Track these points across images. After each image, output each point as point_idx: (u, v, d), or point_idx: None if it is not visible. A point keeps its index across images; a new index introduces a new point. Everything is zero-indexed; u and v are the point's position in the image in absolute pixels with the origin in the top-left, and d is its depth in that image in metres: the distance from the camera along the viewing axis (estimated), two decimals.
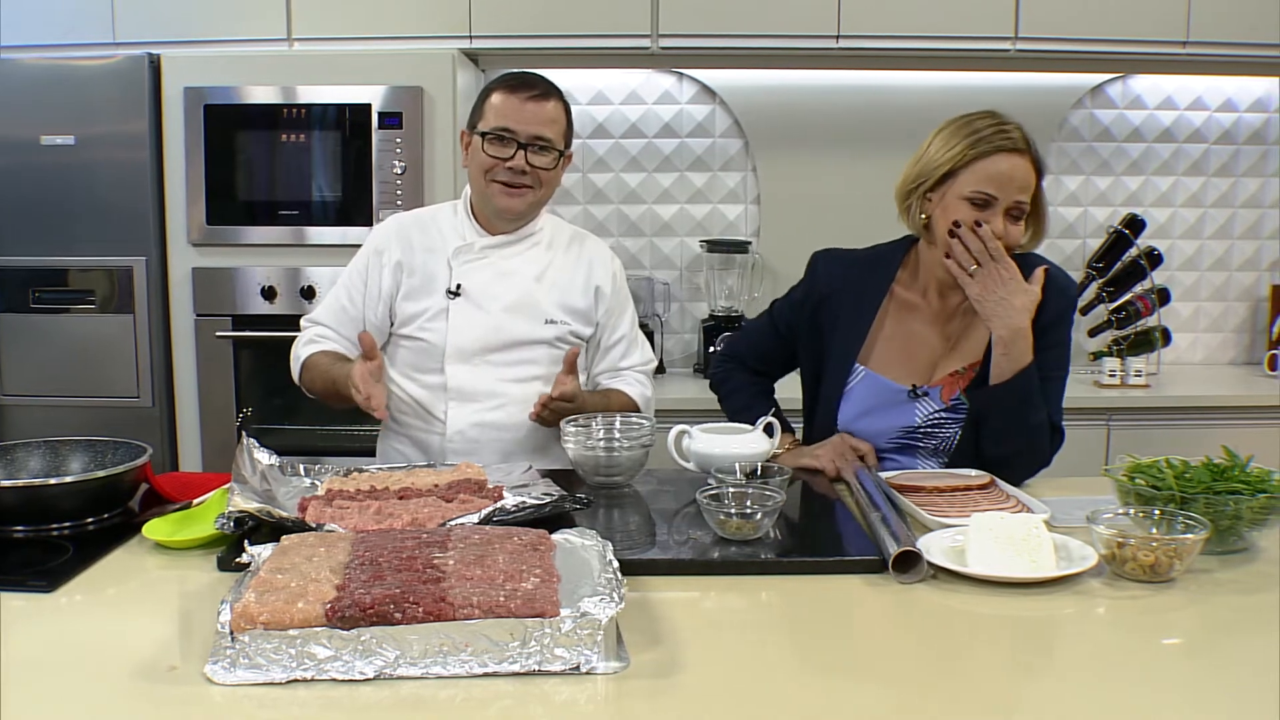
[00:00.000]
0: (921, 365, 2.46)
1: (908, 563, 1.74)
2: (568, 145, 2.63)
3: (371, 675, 1.34)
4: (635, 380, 2.76)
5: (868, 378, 2.47)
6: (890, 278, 2.53)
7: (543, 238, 2.69)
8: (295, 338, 2.72)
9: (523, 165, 2.53)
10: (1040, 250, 4.25)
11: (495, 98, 2.55)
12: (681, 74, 4.41)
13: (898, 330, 2.49)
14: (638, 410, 2.68)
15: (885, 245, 2.59)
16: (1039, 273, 2.34)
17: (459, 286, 2.60)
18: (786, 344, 2.65)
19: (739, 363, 2.75)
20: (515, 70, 2.65)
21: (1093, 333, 4.41)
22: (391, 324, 2.65)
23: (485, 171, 2.55)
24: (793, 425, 2.63)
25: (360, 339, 2.42)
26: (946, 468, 2.40)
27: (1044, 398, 2.35)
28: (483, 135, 2.54)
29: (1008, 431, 2.33)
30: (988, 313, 2.30)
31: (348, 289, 2.68)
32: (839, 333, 2.51)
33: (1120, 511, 1.87)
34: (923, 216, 2.41)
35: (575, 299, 2.67)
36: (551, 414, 2.48)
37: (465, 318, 2.59)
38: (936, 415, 2.42)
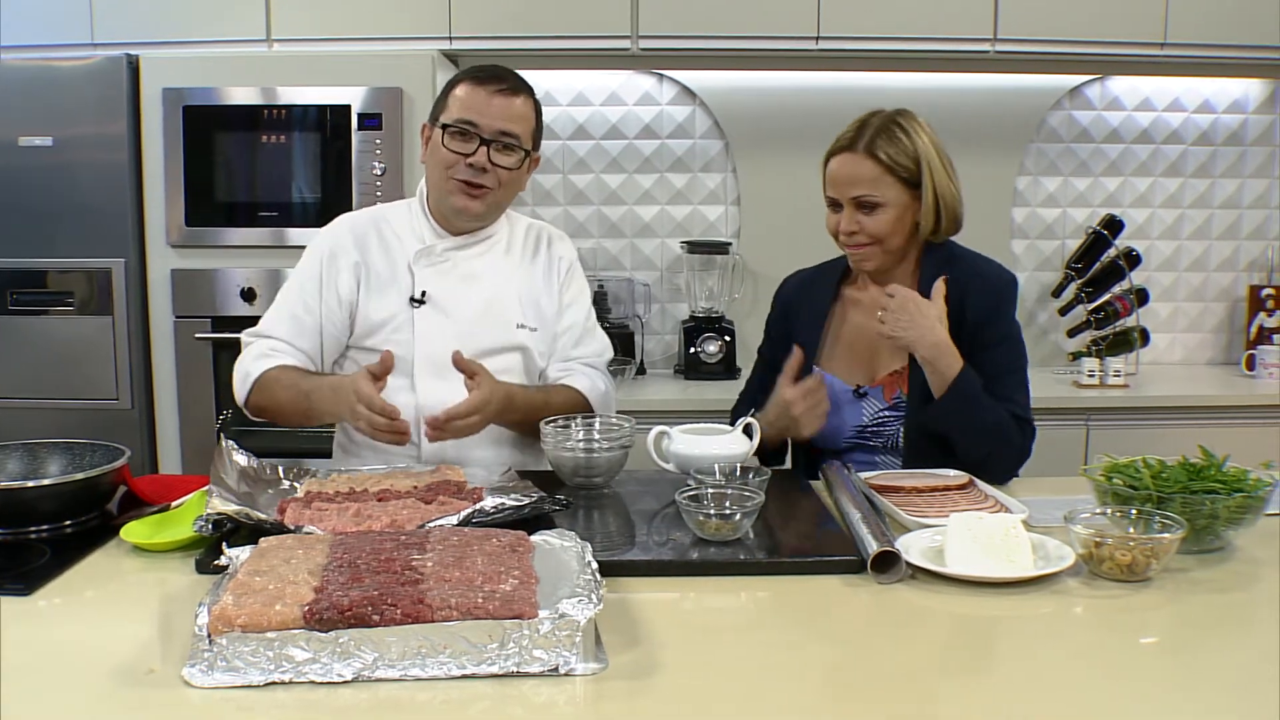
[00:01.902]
0: (865, 364, 2.53)
1: (886, 563, 1.74)
2: (535, 146, 2.49)
3: (350, 677, 1.34)
4: (584, 373, 2.57)
5: (825, 380, 2.48)
6: (838, 280, 2.63)
7: (503, 236, 2.57)
8: (240, 345, 2.52)
9: (484, 162, 2.37)
10: (1020, 252, 4.29)
11: (460, 89, 2.39)
12: (662, 75, 4.41)
13: (845, 329, 2.58)
14: (586, 404, 2.51)
15: (840, 255, 2.64)
16: (939, 284, 2.39)
17: (423, 294, 2.44)
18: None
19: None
20: (487, 64, 2.49)
21: (1071, 333, 4.42)
22: (350, 334, 2.48)
23: (446, 168, 2.39)
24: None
25: (383, 358, 2.17)
26: (906, 466, 2.42)
27: (1003, 392, 2.39)
28: (444, 128, 2.38)
29: (968, 437, 2.36)
30: (905, 342, 2.37)
31: (300, 297, 2.46)
32: (800, 340, 2.53)
33: (1098, 511, 1.88)
34: None
35: (541, 295, 2.56)
36: (451, 434, 2.27)
37: (432, 327, 2.44)
38: (881, 414, 2.48)
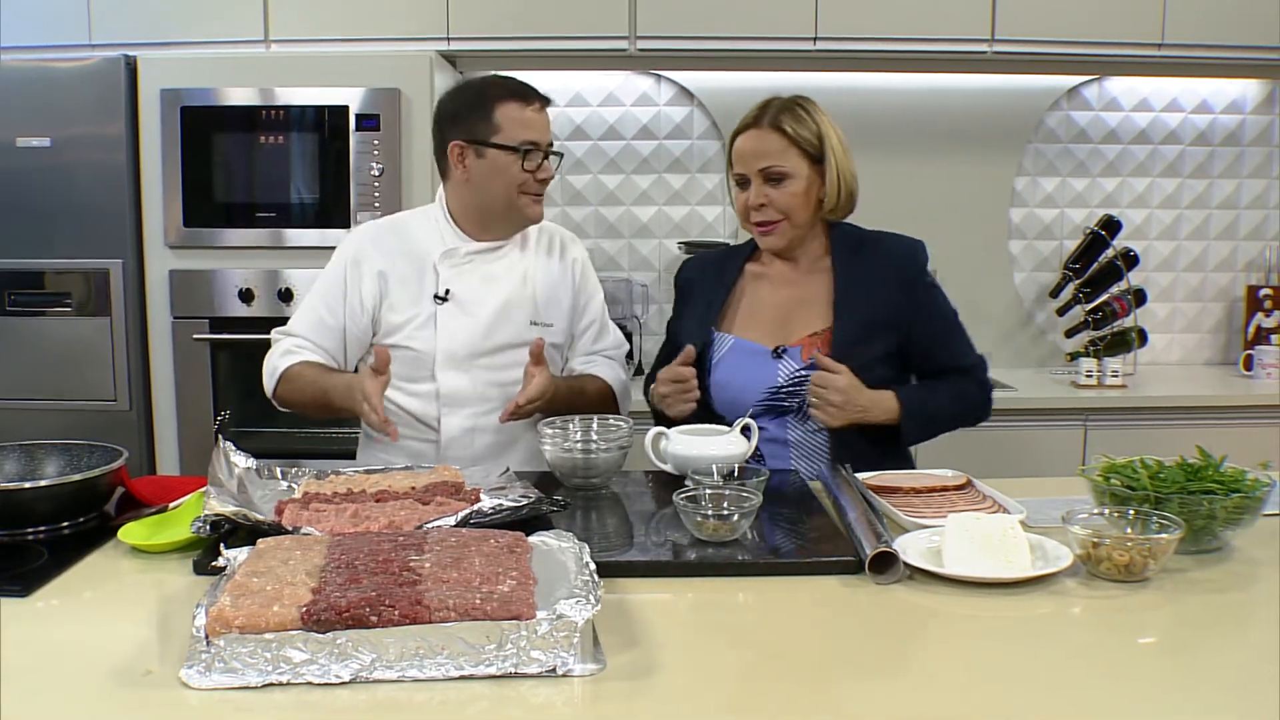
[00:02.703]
0: (780, 327, 2.58)
1: (884, 564, 1.74)
2: None
3: (348, 678, 1.34)
4: (607, 364, 2.77)
5: (736, 344, 2.57)
6: (744, 258, 2.70)
7: (519, 238, 2.68)
8: (270, 341, 2.66)
9: (552, 173, 2.58)
10: (1017, 252, 4.29)
11: (511, 110, 2.52)
12: (659, 75, 4.41)
13: (755, 298, 2.64)
14: (613, 394, 2.71)
15: (745, 240, 2.75)
16: (826, 361, 2.42)
17: (447, 291, 2.58)
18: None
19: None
20: (504, 76, 2.60)
21: (1069, 333, 4.43)
22: (374, 334, 2.62)
23: (518, 185, 2.53)
24: None
25: (376, 354, 2.37)
26: (822, 431, 2.49)
27: (952, 353, 2.59)
28: (515, 151, 2.50)
29: (945, 429, 2.61)
30: (843, 419, 2.40)
31: (325, 300, 2.62)
32: (698, 308, 2.65)
33: (1095, 511, 1.88)
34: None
35: (562, 295, 2.70)
36: (525, 415, 2.51)
37: (454, 323, 2.58)
38: (799, 374, 2.49)
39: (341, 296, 2.61)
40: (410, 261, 2.61)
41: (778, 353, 2.53)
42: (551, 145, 2.58)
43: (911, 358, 2.57)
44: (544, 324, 2.64)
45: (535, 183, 2.54)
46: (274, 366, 2.59)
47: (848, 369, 2.40)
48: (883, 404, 2.44)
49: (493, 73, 2.67)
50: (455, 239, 2.63)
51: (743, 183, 2.55)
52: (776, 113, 2.54)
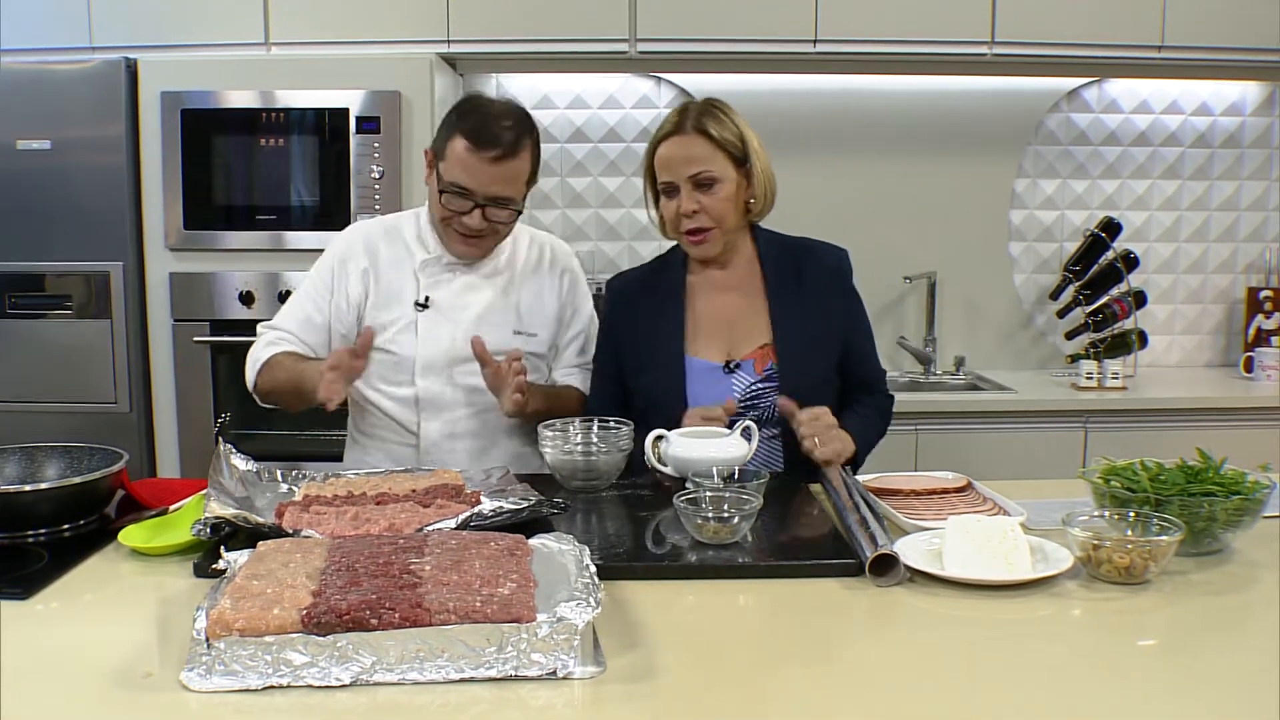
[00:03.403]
0: (725, 341, 2.55)
1: (885, 566, 1.74)
2: (533, 181, 2.57)
3: (348, 681, 1.34)
4: (585, 374, 2.74)
5: (690, 363, 2.54)
6: (682, 269, 2.62)
7: (506, 248, 2.67)
8: (256, 335, 2.66)
9: (480, 224, 2.50)
10: (1018, 254, 4.30)
11: (460, 145, 2.44)
12: (660, 78, 4.41)
13: (697, 313, 2.58)
14: (585, 402, 2.68)
15: (666, 253, 2.70)
16: (787, 408, 2.40)
17: (427, 299, 2.58)
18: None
19: None
20: (483, 110, 2.49)
21: (1069, 335, 4.42)
22: (359, 333, 2.54)
23: (443, 219, 2.53)
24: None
25: (363, 333, 2.36)
26: (786, 436, 2.47)
27: (872, 368, 2.64)
28: (440, 190, 2.49)
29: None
30: (838, 448, 2.36)
31: (313, 298, 2.63)
32: (657, 331, 2.56)
33: (1096, 514, 1.88)
34: (660, 218, 2.59)
35: (548, 306, 2.69)
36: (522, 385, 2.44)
37: (434, 330, 2.58)
38: (754, 387, 2.49)
39: (328, 294, 2.62)
40: (396, 265, 2.62)
41: (729, 368, 2.52)
42: (500, 199, 2.48)
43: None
44: (527, 333, 2.64)
45: (460, 222, 2.50)
46: (256, 357, 2.59)
47: (824, 408, 2.40)
48: (847, 443, 2.41)
49: (505, 99, 2.59)
50: (436, 245, 2.62)
51: (669, 191, 2.48)
52: (698, 117, 2.46)
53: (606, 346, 2.68)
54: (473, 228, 2.50)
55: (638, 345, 2.59)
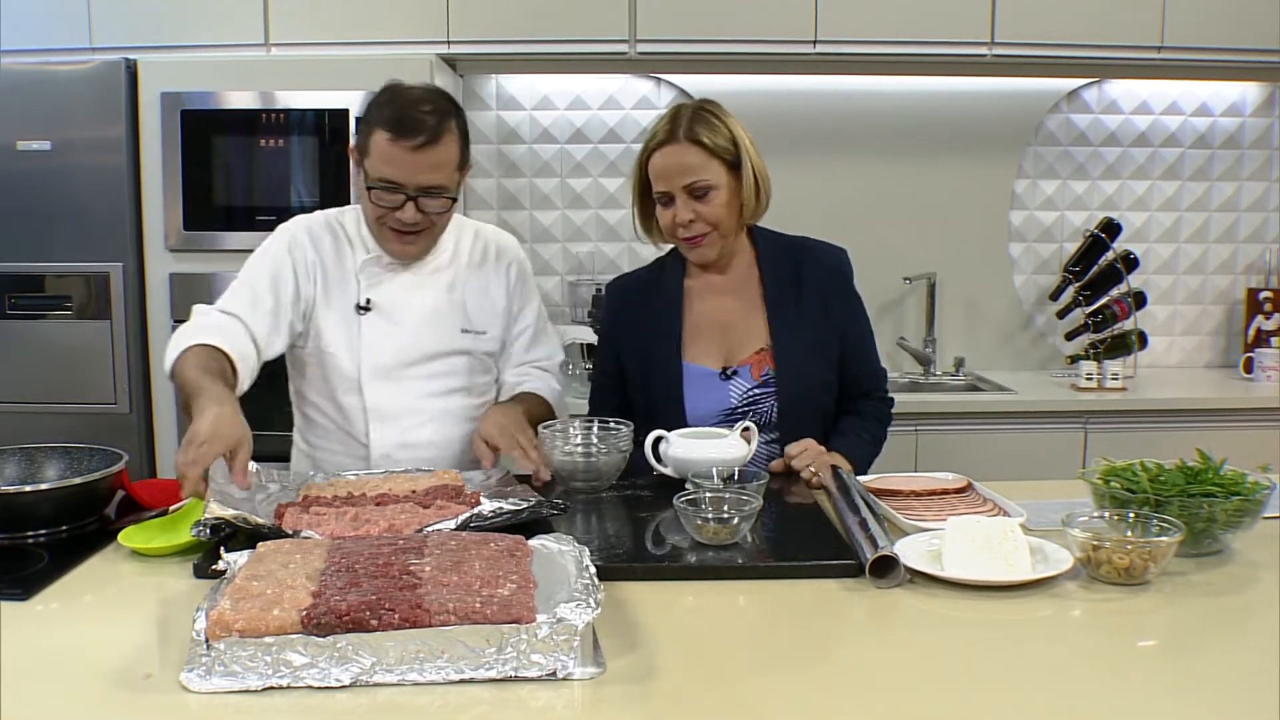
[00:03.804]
0: (722, 347, 2.55)
1: (885, 567, 1.74)
2: (464, 165, 2.43)
3: (348, 682, 1.34)
4: (540, 377, 2.65)
5: (686, 369, 2.54)
6: (680, 274, 2.62)
7: (449, 244, 2.56)
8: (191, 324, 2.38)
9: (414, 217, 2.37)
10: (1017, 255, 4.30)
11: (379, 139, 2.31)
12: (659, 79, 4.41)
13: (695, 318, 2.58)
14: (549, 408, 2.58)
15: (665, 255, 2.69)
16: (787, 460, 2.41)
17: (369, 301, 2.47)
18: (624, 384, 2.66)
19: None
20: (401, 98, 2.35)
21: (1069, 336, 4.43)
22: (302, 331, 2.48)
23: (375, 217, 2.40)
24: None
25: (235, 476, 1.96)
26: (784, 441, 2.47)
27: (871, 369, 2.65)
28: (367, 187, 2.36)
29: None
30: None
31: (262, 281, 2.43)
32: (655, 336, 2.57)
33: (1095, 514, 1.88)
34: (656, 229, 2.56)
35: (496, 302, 2.59)
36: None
37: (378, 333, 2.47)
38: (751, 393, 2.51)
39: (277, 281, 2.43)
40: (340, 264, 2.50)
41: (727, 374, 2.52)
42: (431, 188, 2.35)
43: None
44: (476, 331, 2.55)
45: (395, 219, 2.37)
46: (178, 343, 2.27)
47: (807, 439, 2.43)
48: (834, 460, 2.42)
49: (424, 84, 2.43)
50: (375, 244, 2.50)
51: (665, 201, 2.47)
52: (690, 123, 2.44)
53: (607, 350, 2.69)
54: (407, 222, 2.36)
55: (636, 351, 2.60)
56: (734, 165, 2.46)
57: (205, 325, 2.33)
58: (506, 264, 2.63)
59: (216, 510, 1.82)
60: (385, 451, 2.48)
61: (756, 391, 2.50)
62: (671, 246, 2.62)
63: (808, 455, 2.38)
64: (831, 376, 2.57)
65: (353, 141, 2.46)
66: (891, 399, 2.70)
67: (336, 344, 2.47)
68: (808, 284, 2.54)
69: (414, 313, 2.50)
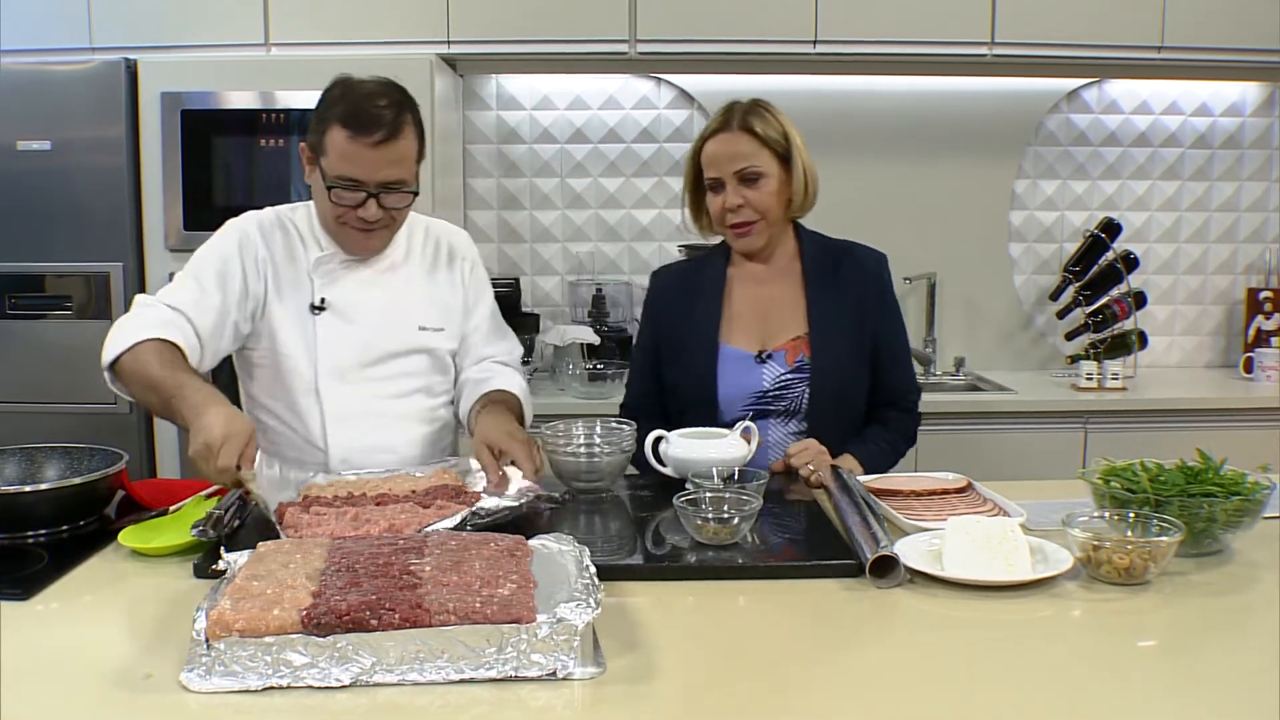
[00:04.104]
0: (760, 331, 2.62)
1: (885, 567, 1.74)
2: (420, 159, 2.36)
3: (348, 682, 1.34)
4: (505, 373, 2.57)
5: (723, 351, 2.60)
6: (724, 263, 2.71)
7: (401, 240, 2.50)
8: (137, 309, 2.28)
9: (376, 214, 2.30)
10: (1018, 255, 4.29)
11: (337, 136, 2.24)
12: (660, 79, 4.41)
13: (735, 303, 2.66)
14: (520, 405, 2.49)
15: (710, 249, 2.79)
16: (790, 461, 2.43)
17: (323, 300, 2.39)
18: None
19: (639, 417, 2.54)
20: (355, 93, 2.27)
21: (1069, 336, 4.42)
22: (251, 327, 2.39)
23: (335, 216, 2.32)
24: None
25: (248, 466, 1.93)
26: (811, 431, 2.54)
27: (904, 373, 2.68)
28: (327, 186, 2.28)
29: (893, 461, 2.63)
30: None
31: (210, 277, 2.33)
32: (695, 319, 2.64)
33: (1096, 514, 1.89)
34: (705, 219, 2.68)
35: (452, 298, 2.54)
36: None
37: (334, 334, 2.40)
38: (784, 377, 2.56)
39: (225, 278, 2.33)
40: (292, 259, 2.42)
41: (761, 357, 2.57)
42: (392, 184, 2.29)
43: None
44: (433, 328, 2.48)
45: (357, 218, 2.30)
46: (127, 334, 2.17)
47: (810, 439, 2.47)
48: (841, 462, 2.45)
49: (375, 76, 2.34)
50: (329, 242, 2.43)
51: (716, 187, 2.57)
52: (744, 115, 2.57)
53: (647, 329, 2.76)
54: (370, 219, 2.29)
55: (674, 333, 2.67)
56: (784, 159, 2.56)
57: (154, 319, 2.22)
58: (460, 259, 2.59)
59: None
60: (344, 456, 2.40)
61: (789, 377, 2.55)
62: (718, 240, 2.71)
63: (807, 454, 2.39)
64: (864, 372, 2.60)
65: (303, 140, 2.37)
66: (919, 415, 2.72)
67: (292, 345, 2.39)
68: (846, 282, 2.61)
69: (370, 311, 2.43)
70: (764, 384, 2.55)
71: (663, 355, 2.68)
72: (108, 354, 2.16)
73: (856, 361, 2.58)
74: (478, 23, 3.88)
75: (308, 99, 3.64)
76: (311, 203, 2.46)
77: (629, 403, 2.77)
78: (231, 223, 2.45)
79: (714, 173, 2.56)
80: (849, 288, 2.60)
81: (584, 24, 3.89)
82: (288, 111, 3.70)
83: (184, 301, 2.27)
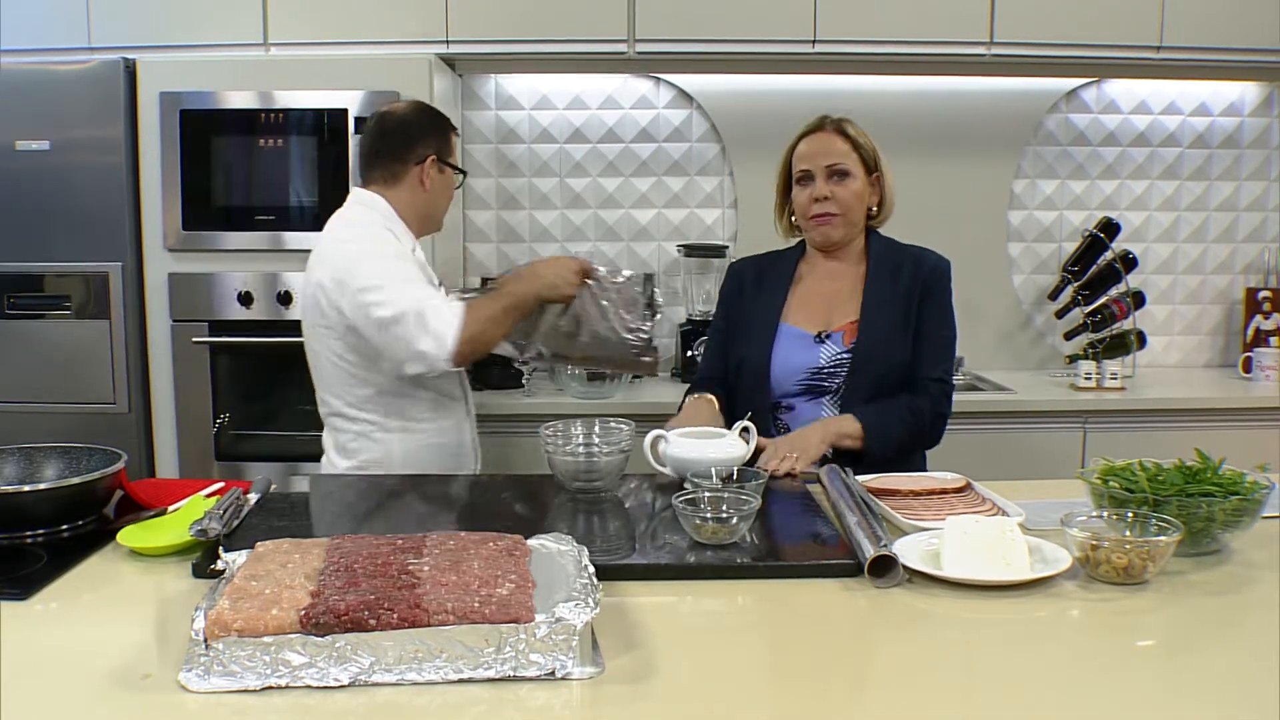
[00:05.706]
0: (823, 315, 2.76)
1: (883, 567, 1.74)
2: None
3: (346, 682, 1.34)
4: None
5: (783, 329, 2.77)
6: (797, 257, 2.90)
7: None
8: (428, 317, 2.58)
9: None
10: (1016, 254, 4.30)
11: (455, 139, 2.87)
12: (658, 79, 4.41)
13: (801, 290, 2.83)
14: None
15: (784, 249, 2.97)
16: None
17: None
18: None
19: (710, 386, 2.83)
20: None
21: (1068, 336, 4.42)
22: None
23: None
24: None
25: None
26: (844, 409, 2.64)
27: (935, 356, 2.71)
28: (462, 172, 2.90)
29: (898, 443, 2.65)
30: (813, 452, 2.51)
31: (410, 264, 2.75)
32: (760, 302, 2.82)
33: (1094, 514, 1.89)
34: (791, 217, 2.86)
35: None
36: None
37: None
38: (840, 357, 2.69)
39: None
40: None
41: (820, 337, 2.71)
42: None
43: None
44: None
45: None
46: (447, 319, 2.54)
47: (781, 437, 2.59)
48: (838, 423, 2.58)
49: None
50: (409, 238, 2.84)
51: (804, 180, 2.74)
52: (838, 120, 2.77)
53: (720, 311, 2.95)
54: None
55: (742, 315, 2.85)
56: (869, 168, 2.76)
57: (449, 302, 2.63)
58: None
59: None
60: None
61: (844, 356, 2.68)
62: (794, 243, 2.91)
63: (775, 457, 2.44)
64: (903, 361, 2.68)
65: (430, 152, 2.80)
66: (941, 406, 2.71)
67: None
68: (904, 277, 2.73)
69: None
70: (820, 361, 2.68)
71: (729, 335, 2.85)
72: (450, 344, 2.53)
73: (898, 350, 2.67)
74: (476, 23, 3.88)
75: (307, 99, 3.69)
76: (371, 210, 2.83)
77: (698, 377, 2.93)
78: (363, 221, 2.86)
79: (805, 165, 2.74)
80: (905, 282, 2.71)
81: (583, 24, 3.89)
82: (287, 111, 3.70)
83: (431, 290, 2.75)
